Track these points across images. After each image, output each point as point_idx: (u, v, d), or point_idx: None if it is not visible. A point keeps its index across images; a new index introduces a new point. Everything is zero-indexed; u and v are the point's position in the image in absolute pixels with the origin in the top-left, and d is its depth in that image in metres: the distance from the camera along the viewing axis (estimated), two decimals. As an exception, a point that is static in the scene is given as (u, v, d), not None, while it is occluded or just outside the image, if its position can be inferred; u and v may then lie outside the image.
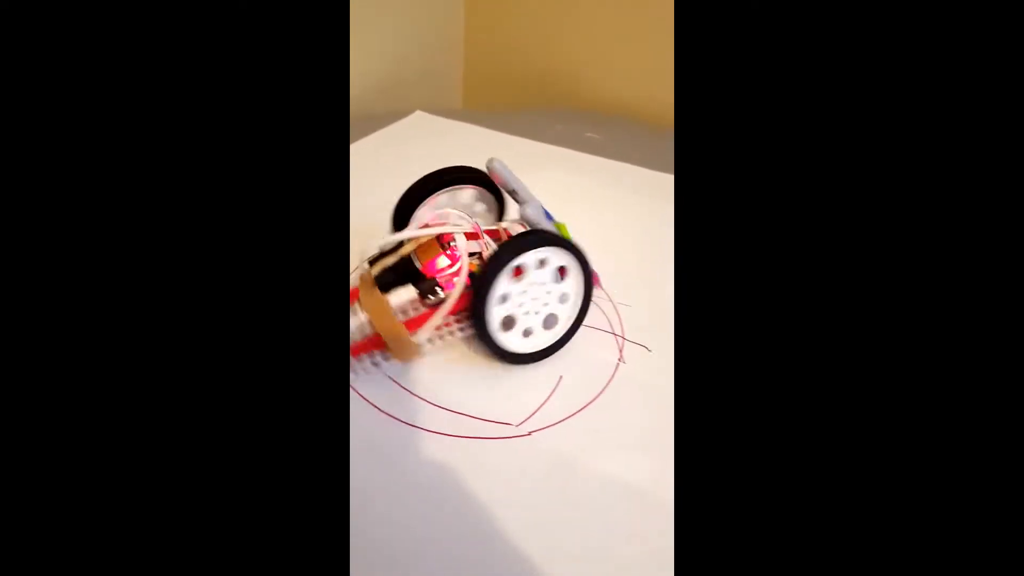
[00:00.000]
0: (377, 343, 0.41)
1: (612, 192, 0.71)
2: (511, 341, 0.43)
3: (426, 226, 0.45)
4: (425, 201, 0.48)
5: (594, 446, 0.39)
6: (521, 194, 0.47)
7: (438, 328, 0.43)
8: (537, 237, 0.41)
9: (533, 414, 0.41)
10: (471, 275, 0.42)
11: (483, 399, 0.42)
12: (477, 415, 0.40)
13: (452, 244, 0.44)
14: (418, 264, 0.44)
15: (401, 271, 0.44)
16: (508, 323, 0.43)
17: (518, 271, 0.41)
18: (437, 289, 0.43)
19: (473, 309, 0.41)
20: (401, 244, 0.44)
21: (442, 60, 1.11)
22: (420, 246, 0.44)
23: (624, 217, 0.65)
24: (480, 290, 0.40)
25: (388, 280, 0.43)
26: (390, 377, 0.43)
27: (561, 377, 0.44)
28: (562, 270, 0.43)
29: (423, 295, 0.43)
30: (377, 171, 0.72)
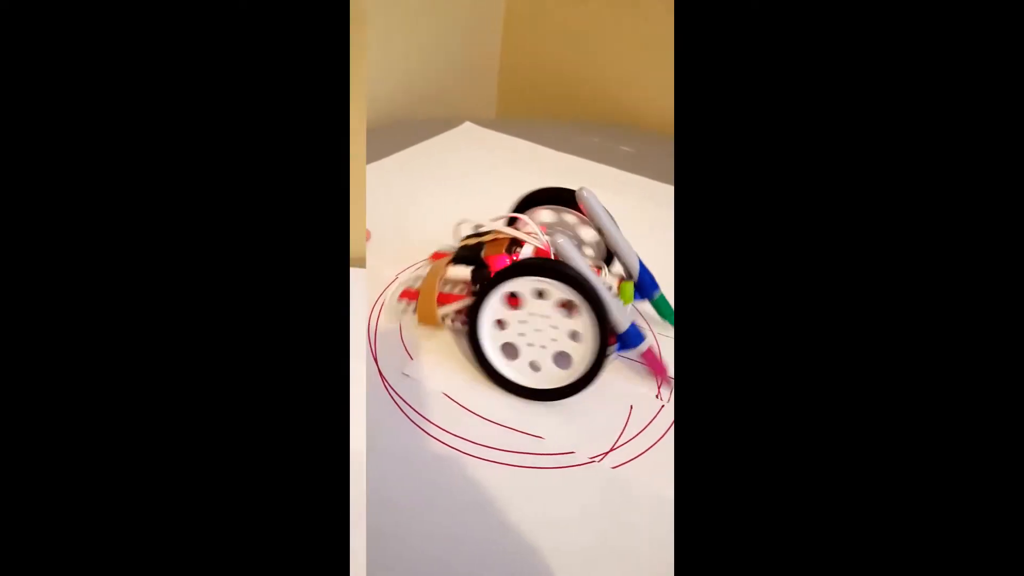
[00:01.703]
0: (413, 295, 0.49)
1: (652, 212, 0.71)
2: (515, 372, 0.44)
3: (511, 225, 0.48)
4: (535, 208, 0.51)
5: (652, 476, 0.39)
6: (600, 226, 0.48)
7: (458, 313, 0.47)
8: (532, 265, 0.42)
9: (615, 447, 0.41)
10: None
11: (548, 424, 0.43)
12: (539, 439, 0.41)
13: (517, 250, 0.46)
14: (483, 253, 0.47)
15: (474, 253, 0.47)
16: (511, 352, 0.44)
17: (515, 300, 0.42)
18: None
19: (468, 324, 0.43)
20: (486, 232, 0.48)
21: (479, 69, 1.14)
22: (495, 240, 0.47)
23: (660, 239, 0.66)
24: (472, 308, 0.43)
25: (462, 255, 0.48)
26: (446, 395, 0.44)
27: (632, 407, 0.44)
28: (568, 306, 0.41)
29: (473, 281, 0.46)
30: (430, 179, 0.76)
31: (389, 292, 0.53)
